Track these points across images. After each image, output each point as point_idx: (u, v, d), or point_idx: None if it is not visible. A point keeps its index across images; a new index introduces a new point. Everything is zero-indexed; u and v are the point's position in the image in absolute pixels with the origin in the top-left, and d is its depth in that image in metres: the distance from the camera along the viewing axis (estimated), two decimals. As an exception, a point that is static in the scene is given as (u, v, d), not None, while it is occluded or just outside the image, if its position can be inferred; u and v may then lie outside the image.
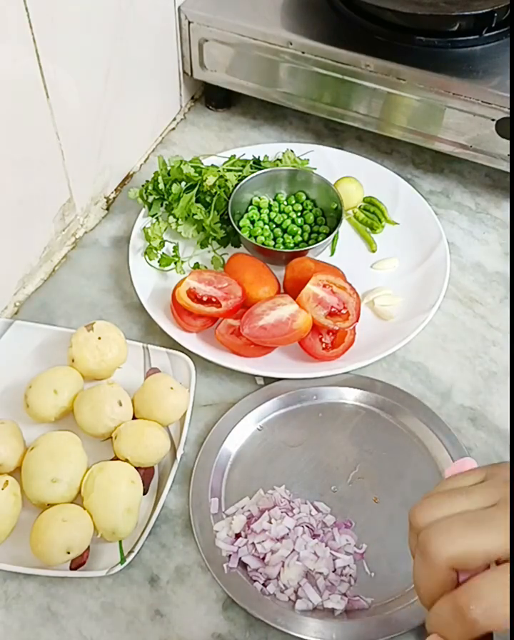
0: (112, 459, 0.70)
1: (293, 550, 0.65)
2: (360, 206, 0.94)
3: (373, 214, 0.93)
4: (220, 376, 0.80)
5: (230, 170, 0.90)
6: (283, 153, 0.94)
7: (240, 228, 0.87)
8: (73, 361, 0.75)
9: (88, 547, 0.65)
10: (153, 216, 0.89)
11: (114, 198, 0.97)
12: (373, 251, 0.90)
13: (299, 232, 0.89)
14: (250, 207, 0.91)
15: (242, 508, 0.70)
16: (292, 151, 0.94)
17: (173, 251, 0.87)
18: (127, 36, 0.85)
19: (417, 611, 0.63)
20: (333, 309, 0.78)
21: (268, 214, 0.90)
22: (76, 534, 0.64)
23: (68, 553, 0.63)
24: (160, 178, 0.88)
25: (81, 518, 0.65)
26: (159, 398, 0.72)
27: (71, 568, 0.65)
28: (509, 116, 0.83)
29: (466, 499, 0.39)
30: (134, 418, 0.73)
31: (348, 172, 0.93)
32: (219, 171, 0.89)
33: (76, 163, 0.85)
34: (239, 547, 0.66)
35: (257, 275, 0.83)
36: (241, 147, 0.97)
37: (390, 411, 0.77)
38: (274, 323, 0.77)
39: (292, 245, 0.88)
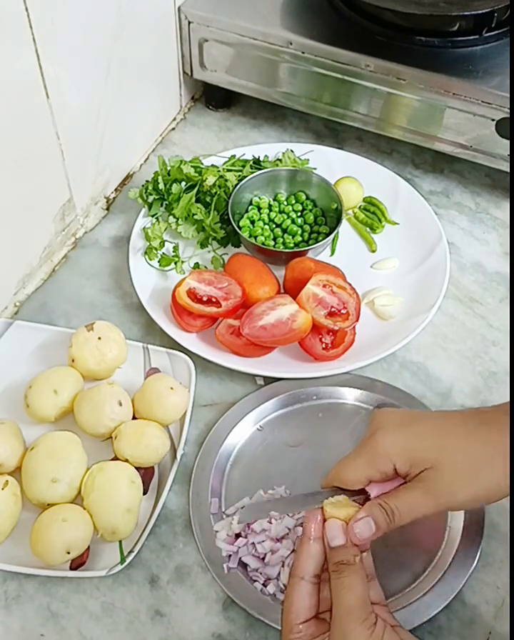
0: (112, 459, 0.70)
1: (293, 550, 0.65)
2: (360, 206, 0.94)
3: (373, 214, 0.93)
4: (220, 376, 0.80)
5: (230, 170, 0.90)
6: (283, 153, 0.94)
7: (240, 228, 0.87)
8: (73, 361, 0.75)
9: (88, 547, 0.65)
10: (153, 216, 0.89)
11: (114, 198, 0.97)
12: (373, 251, 0.90)
13: (299, 232, 0.89)
14: (250, 207, 0.91)
15: (242, 508, 0.69)
16: (292, 151, 0.94)
17: (173, 251, 0.87)
18: (127, 36, 0.85)
19: (417, 610, 0.63)
20: (333, 309, 0.78)
21: (268, 214, 0.90)
22: (76, 534, 0.64)
23: (68, 553, 0.63)
24: (160, 178, 0.88)
25: (81, 518, 0.65)
26: (159, 398, 0.72)
27: (71, 568, 0.65)
28: (509, 116, 0.83)
29: None
30: (134, 418, 0.73)
31: (348, 172, 0.93)
32: (219, 171, 0.89)
33: (76, 163, 0.85)
34: (239, 547, 0.66)
35: (257, 275, 0.83)
36: (241, 147, 0.97)
37: (390, 411, 0.77)
38: (274, 323, 0.77)
39: (292, 245, 0.88)
